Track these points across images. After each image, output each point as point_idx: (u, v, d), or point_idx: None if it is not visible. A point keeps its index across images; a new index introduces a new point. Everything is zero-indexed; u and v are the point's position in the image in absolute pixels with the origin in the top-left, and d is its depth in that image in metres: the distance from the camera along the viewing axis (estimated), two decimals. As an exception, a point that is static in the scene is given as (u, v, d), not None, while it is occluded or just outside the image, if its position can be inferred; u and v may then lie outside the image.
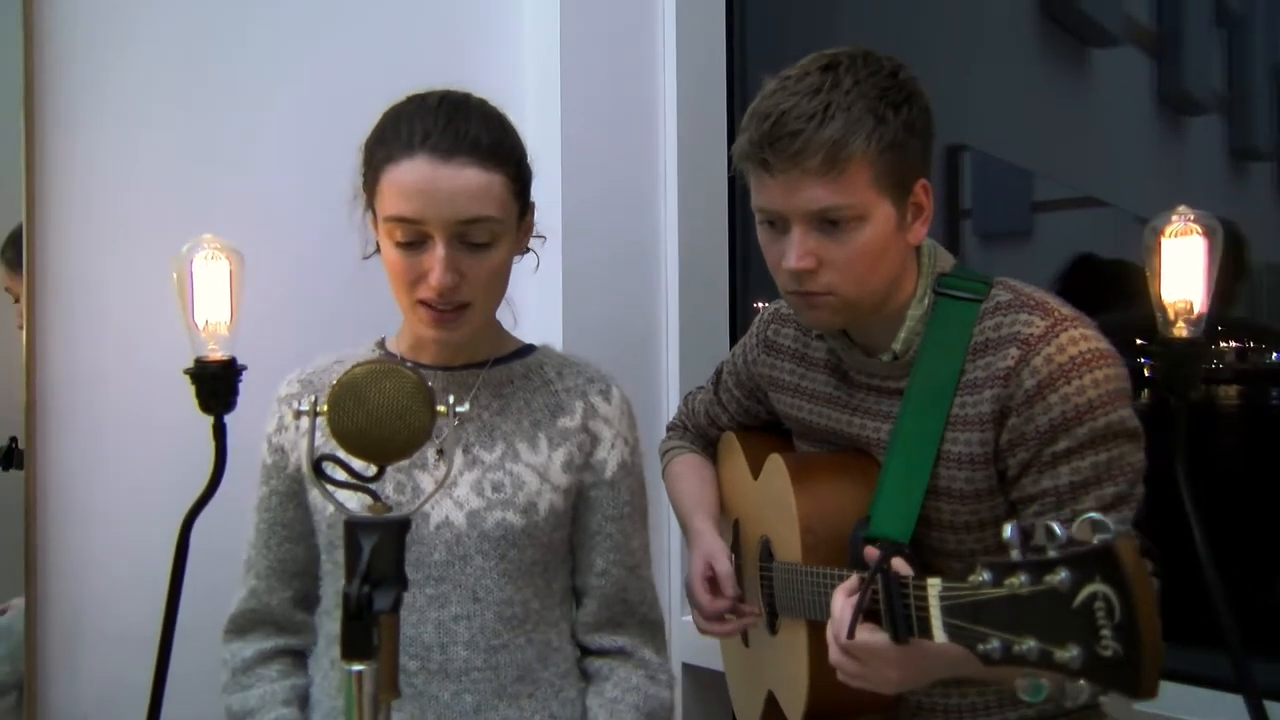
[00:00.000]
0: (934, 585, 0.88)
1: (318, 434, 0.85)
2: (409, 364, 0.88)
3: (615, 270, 1.99)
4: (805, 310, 1.15)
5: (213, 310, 1.28)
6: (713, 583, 1.32)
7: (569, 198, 1.91)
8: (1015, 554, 0.75)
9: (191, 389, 1.27)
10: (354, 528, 0.80)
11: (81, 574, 1.51)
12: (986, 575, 0.78)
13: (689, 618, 1.41)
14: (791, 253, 1.09)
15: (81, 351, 1.50)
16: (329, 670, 1.19)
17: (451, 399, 0.84)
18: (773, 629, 1.34)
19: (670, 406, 2.05)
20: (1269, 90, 1.95)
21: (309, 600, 1.22)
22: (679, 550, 1.95)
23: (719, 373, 1.49)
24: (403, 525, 0.81)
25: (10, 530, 1.45)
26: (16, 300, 1.45)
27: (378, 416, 0.82)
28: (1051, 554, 0.72)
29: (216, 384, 1.26)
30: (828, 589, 1.11)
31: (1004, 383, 1.08)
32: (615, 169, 1.99)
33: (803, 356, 1.31)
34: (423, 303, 1.09)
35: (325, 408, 0.82)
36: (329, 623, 1.19)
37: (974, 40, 2.23)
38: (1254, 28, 2.05)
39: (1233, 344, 1.77)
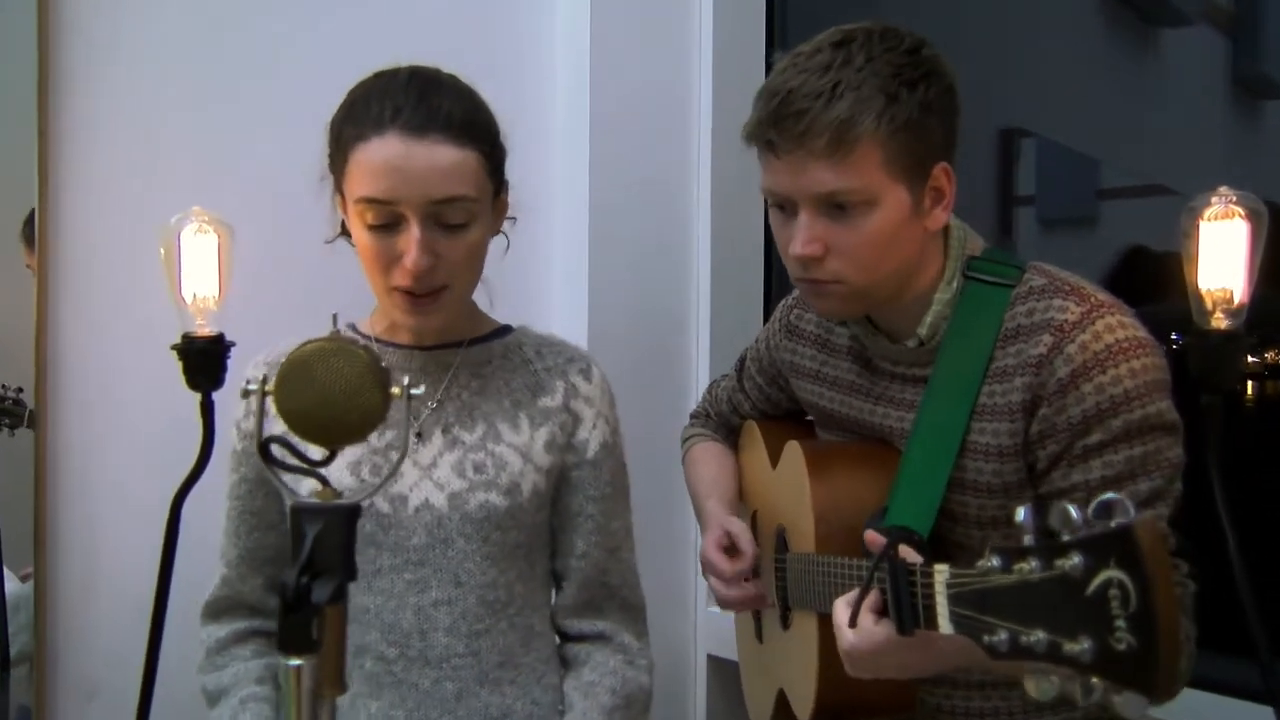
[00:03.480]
0: (941, 572, 0.84)
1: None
2: (365, 342, 0.82)
3: (644, 258, 1.93)
4: (814, 299, 1.12)
5: (201, 285, 1.25)
6: (730, 553, 1.29)
7: (597, 182, 1.85)
8: (1028, 539, 0.70)
9: (179, 365, 1.24)
10: (298, 514, 0.76)
11: (91, 544, 1.51)
12: (996, 561, 0.73)
13: (716, 609, 1.38)
14: (797, 238, 1.06)
15: (92, 325, 1.50)
16: None
17: (407, 380, 0.79)
18: (785, 623, 1.31)
19: (696, 389, 1.99)
20: (1355, 72, 1.81)
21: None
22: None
23: (743, 359, 1.46)
24: (351, 512, 0.77)
25: (22, 500, 1.45)
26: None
27: (326, 396, 0.77)
28: (1065, 538, 0.66)
29: (204, 360, 1.24)
30: (838, 580, 1.09)
31: (1035, 370, 1.04)
32: (645, 154, 1.92)
33: (825, 342, 1.28)
34: (398, 288, 1.07)
35: (273, 386, 0.76)
36: None
37: (1034, 20, 2.15)
38: (1339, 5, 1.91)
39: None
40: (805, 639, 1.21)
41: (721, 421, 1.51)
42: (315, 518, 0.75)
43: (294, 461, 0.79)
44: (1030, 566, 0.69)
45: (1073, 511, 0.66)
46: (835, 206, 1.04)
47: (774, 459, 1.35)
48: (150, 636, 1.27)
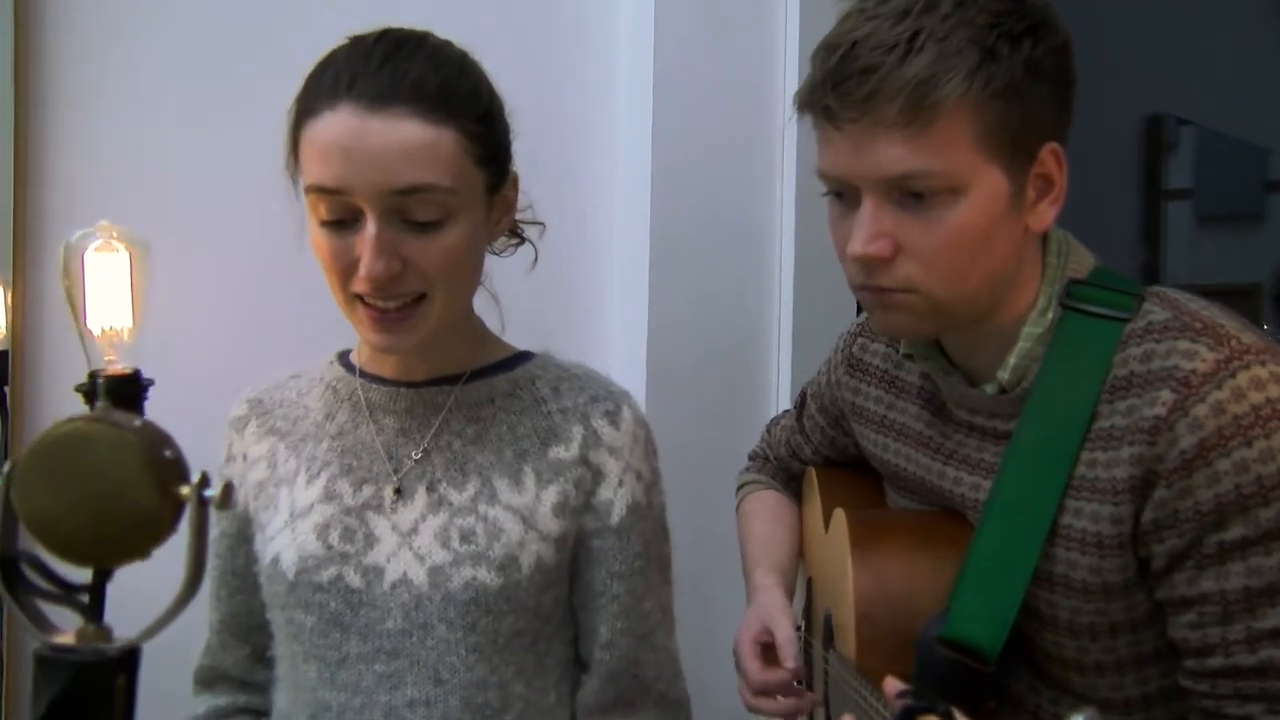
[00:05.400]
0: None
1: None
2: (142, 422, 0.59)
3: (715, 262, 1.70)
4: (878, 312, 0.93)
5: (111, 313, 1.07)
6: (768, 650, 1.11)
7: (659, 169, 1.63)
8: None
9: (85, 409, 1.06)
10: (39, 665, 0.54)
11: None
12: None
13: None
14: (859, 234, 0.87)
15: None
16: None
17: (196, 478, 0.55)
18: None
19: None
20: None
21: (272, 656, 1.05)
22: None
23: (803, 395, 1.28)
24: (119, 663, 0.56)
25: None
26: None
27: (77, 499, 0.56)
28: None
29: (115, 403, 1.04)
30: (869, 713, 0.93)
31: (1150, 438, 0.83)
32: (719, 140, 1.70)
33: (892, 380, 1.09)
34: (360, 299, 0.90)
35: (9, 479, 0.57)
36: (279, 694, 1.01)
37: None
38: None
39: None
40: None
41: (781, 466, 1.32)
42: (56, 672, 0.53)
43: (45, 585, 0.57)
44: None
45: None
46: (910, 194, 0.85)
47: (827, 521, 1.17)
48: None
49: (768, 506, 1.29)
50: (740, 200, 1.74)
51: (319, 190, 0.87)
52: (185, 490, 0.56)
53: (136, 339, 1.09)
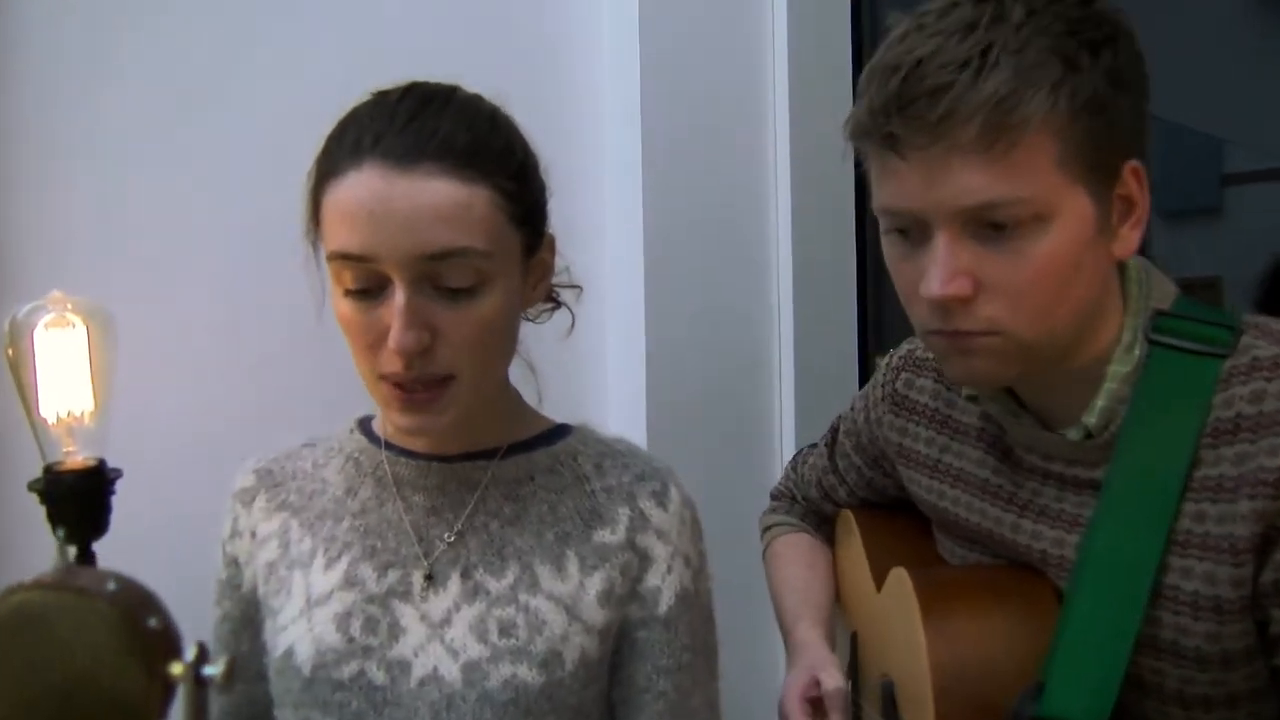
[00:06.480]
0: None
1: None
2: (115, 585, 0.47)
3: (711, 289, 1.64)
4: (956, 359, 0.85)
5: (68, 396, 0.94)
6: (816, 705, 1.04)
7: (650, 186, 1.56)
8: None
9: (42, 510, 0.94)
10: None
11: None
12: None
13: None
14: (935, 273, 0.80)
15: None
16: None
17: (191, 651, 0.44)
18: None
19: (781, 465, 1.68)
20: None
21: None
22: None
23: (834, 431, 1.21)
24: None
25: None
26: None
27: (32, 694, 0.45)
28: None
29: (77, 501, 0.93)
30: None
31: (1273, 491, 0.77)
32: (711, 153, 1.63)
33: (945, 420, 1.02)
34: (386, 377, 0.83)
35: None
36: None
37: None
38: None
39: None
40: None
41: (810, 508, 1.25)
42: None
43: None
44: None
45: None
46: (990, 226, 0.79)
47: (877, 577, 1.09)
48: None
49: (800, 552, 1.22)
50: (736, 224, 1.67)
51: (343, 258, 0.81)
52: (178, 669, 0.44)
53: (99, 424, 0.96)
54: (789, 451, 1.70)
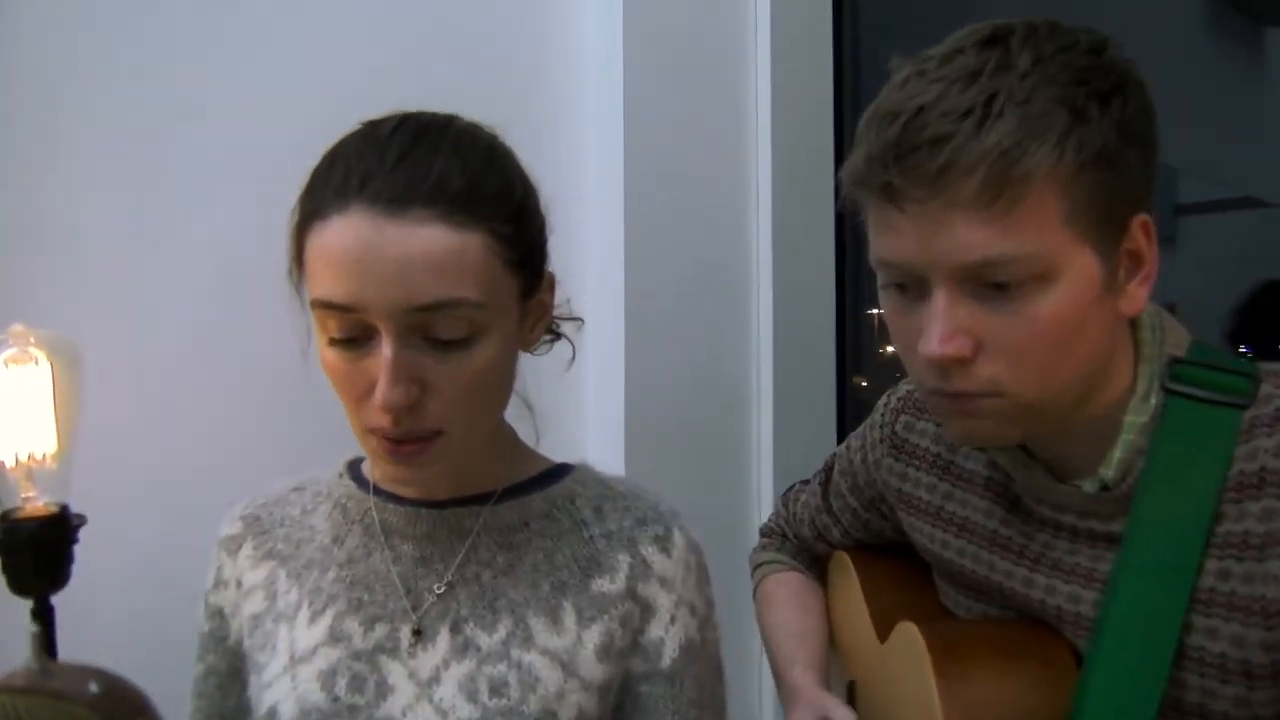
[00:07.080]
0: None
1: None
2: (97, 685, 0.42)
3: (690, 318, 1.63)
4: (956, 420, 0.82)
5: (29, 437, 0.88)
6: None
7: (632, 215, 1.54)
8: None
9: (-2, 560, 0.87)
10: None
11: None
12: None
13: None
14: (933, 332, 0.77)
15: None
16: None
17: None
18: None
19: (763, 501, 1.68)
20: None
21: None
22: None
23: (829, 469, 1.18)
24: None
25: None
26: None
27: None
28: None
29: (37, 550, 0.86)
30: None
31: None
32: (691, 180, 1.62)
33: (947, 466, 0.99)
34: (374, 431, 0.79)
35: None
36: None
37: (1126, 16, 1.89)
38: None
39: None
40: None
41: (803, 546, 1.22)
42: None
43: None
44: None
45: None
46: (990, 284, 0.76)
47: (878, 625, 1.07)
48: None
49: (793, 591, 1.19)
50: (716, 254, 1.67)
51: (327, 306, 0.77)
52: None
53: (62, 467, 0.90)
54: (767, 480, 1.71)
